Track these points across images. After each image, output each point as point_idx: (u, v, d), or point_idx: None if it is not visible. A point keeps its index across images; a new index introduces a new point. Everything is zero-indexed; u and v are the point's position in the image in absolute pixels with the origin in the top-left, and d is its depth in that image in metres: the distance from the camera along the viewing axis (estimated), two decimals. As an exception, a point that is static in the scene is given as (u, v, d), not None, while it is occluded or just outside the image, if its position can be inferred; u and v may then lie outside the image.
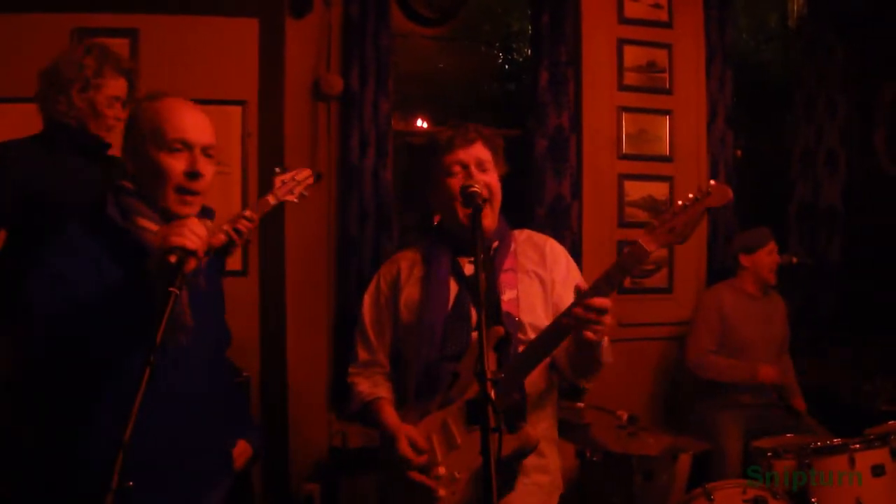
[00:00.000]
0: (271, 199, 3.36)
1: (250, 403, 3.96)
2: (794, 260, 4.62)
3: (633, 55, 4.97)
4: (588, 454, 3.75)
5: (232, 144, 4.23)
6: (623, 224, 4.92)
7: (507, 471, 2.33)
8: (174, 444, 1.93)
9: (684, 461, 3.76)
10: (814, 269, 5.36)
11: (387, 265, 2.72)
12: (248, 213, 3.26)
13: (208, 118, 2.05)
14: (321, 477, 4.31)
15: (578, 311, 2.12)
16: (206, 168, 1.99)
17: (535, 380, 2.39)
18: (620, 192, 4.93)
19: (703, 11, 5.13)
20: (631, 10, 4.97)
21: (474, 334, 2.41)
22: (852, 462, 3.40)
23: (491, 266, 2.48)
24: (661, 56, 5.04)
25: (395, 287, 2.61)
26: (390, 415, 2.50)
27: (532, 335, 2.39)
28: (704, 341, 4.45)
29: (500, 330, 2.33)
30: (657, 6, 5.04)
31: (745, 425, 4.29)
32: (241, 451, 2.27)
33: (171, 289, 1.61)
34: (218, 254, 3.31)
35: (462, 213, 2.43)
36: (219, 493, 2.15)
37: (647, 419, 4.29)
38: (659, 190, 5.00)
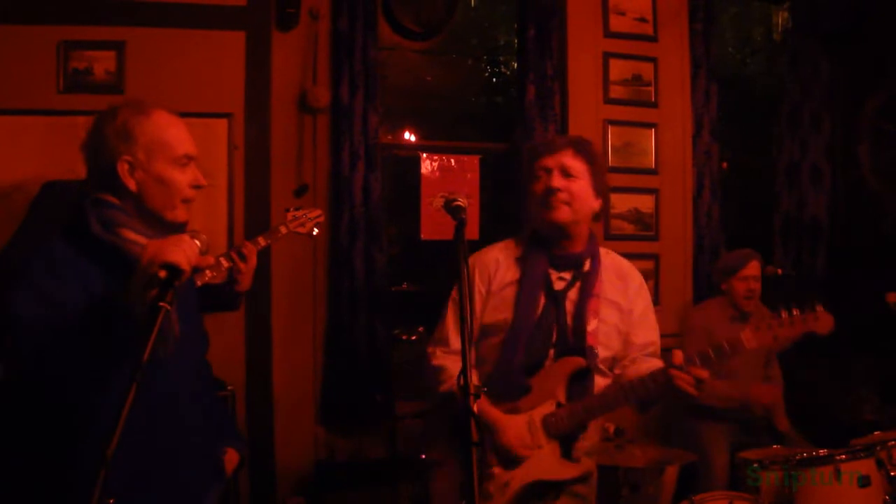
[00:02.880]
0: (283, 230, 3.42)
1: (235, 414, 3.94)
2: (779, 272, 4.63)
3: (618, 69, 5.00)
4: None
5: (218, 157, 4.22)
6: (609, 237, 4.91)
7: (556, 487, 2.48)
8: (167, 452, 1.94)
9: (671, 473, 3.77)
10: (798, 281, 5.38)
11: (481, 255, 2.73)
12: (260, 239, 3.30)
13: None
14: (307, 491, 4.28)
15: (682, 377, 2.31)
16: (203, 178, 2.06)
17: None
18: (606, 205, 4.91)
19: (688, 25, 5.17)
20: (616, 24, 5.01)
21: (551, 352, 2.50)
22: (838, 473, 3.40)
23: (583, 288, 2.55)
24: (646, 69, 5.07)
25: (488, 282, 2.64)
26: (492, 406, 2.51)
27: (604, 367, 2.52)
28: None
29: (582, 362, 2.44)
30: (642, 20, 5.07)
31: (730, 437, 4.29)
32: (230, 458, 2.30)
33: (161, 304, 1.60)
34: (227, 283, 3.34)
35: (543, 212, 2.55)
36: (211, 500, 2.16)
37: (634, 431, 4.28)
38: (644, 202, 5.02)
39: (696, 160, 5.16)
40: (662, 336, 4.78)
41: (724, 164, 5.62)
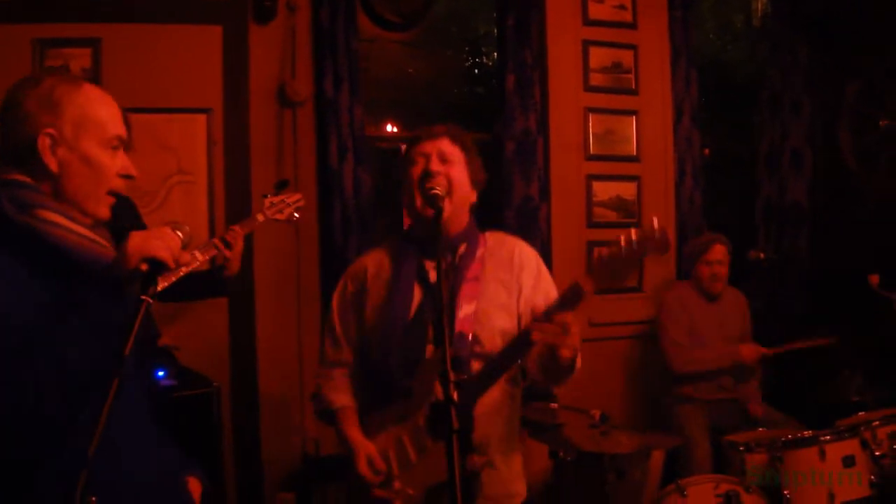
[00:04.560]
0: (260, 217, 3.38)
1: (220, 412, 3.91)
2: (762, 256, 4.66)
3: (598, 56, 5.00)
4: (561, 454, 3.75)
5: (197, 153, 4.20)
6: (592, 224, 4.94)
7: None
8: (131, 486, 1.75)
9: (657, 458, 3.78)
10: (781, 266, 5.41)
11: (354, 265, 2.69)
12: (236, 227, 3.27)
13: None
14: (295, 486, 4.28)
15: (543, 328, 2.10)
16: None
17: (490, 392, 2.36)
18: (588, 193, 4.96)
19: (668, 12, 5.17)
20: (595, 12, 5.00)
21: (430, 347, 2.39)
22: (823, 454, 3.43)
23: (455, 274, 2.45)
24: (626, 57, 5.07)
25: (362, 288, 2.58)
26: (353, 428, 2.48)
27: (490, 349, 2.36)
28: (679, 336, 4.48)
29: (448, 351, 2.28)
30: (622, 7, 5.07)
31: (712, 420, 4.31)
32: (194, 487, 2.07)
33: (143, 297, 1.56)
34: (217, 269, 3.32)
35: (419, 200, 2.41)
36: None
37: (620, 417, 4.30)
38: (627, 190, 5.03)
39: (677, 147, 5.17)
40: (649, 322, 4.87)
41: (707, 151, 5.63)
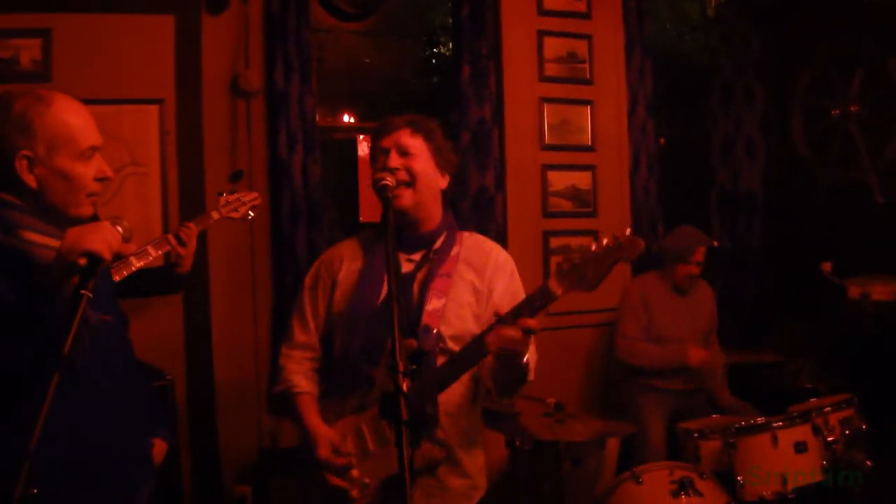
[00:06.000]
0: (215, 215, 3.38)
1: (175, 404, 3.89)
2: (715, 244, 4.69)
3: (553, 47, 5.00)
4: (517, 443, 3.77)
5: (150, 144, 4.14)
6: (547, 214, 4.95)
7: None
8: (95, 446, 1.87)
9: (613, 446, 3.81)
10: (735, 254, 5.48)
11: (329, 251, 2.70)
12: (190, 224, 3.25)
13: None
14: (253, 478, 4.25)
15: (507, 329, 2.13)
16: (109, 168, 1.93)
17: (453, 388, 2.37)
18: (544, 183, 4.96)
19: (622, 2, 5.19)
20: (550, 2, 5.00)
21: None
22: (775, 440, 3.48)
23: (430, 268, 2.47)
24: (581, 47, 5.08)
25: (334, 274, 2.58)
26: (313, 415, 2.48)
27: (455, 347, 2.37)
28: (631, 330, 4.50)
29: (413, 343, 2.27)
30: (576, -3, 5.08)
31: (668, 408, 4.35)
32: (159, 449, 2.23)
33: (82, 291, 1.58)
34: (169, 266, 3.30)
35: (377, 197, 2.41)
36: (143, 496, 2.09)
37: (576, 406, 4.32)
38: (582, 179, 5.05)
39: (631, 136, 5.20)
40: (603, 311, 4.90)
41: (662, 140, 5.68)
